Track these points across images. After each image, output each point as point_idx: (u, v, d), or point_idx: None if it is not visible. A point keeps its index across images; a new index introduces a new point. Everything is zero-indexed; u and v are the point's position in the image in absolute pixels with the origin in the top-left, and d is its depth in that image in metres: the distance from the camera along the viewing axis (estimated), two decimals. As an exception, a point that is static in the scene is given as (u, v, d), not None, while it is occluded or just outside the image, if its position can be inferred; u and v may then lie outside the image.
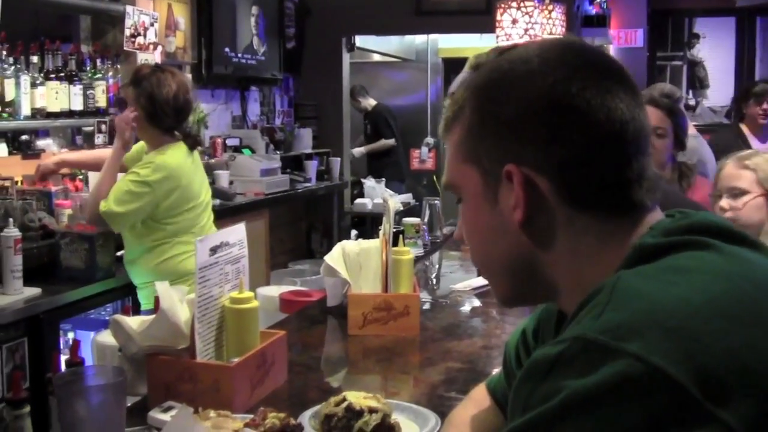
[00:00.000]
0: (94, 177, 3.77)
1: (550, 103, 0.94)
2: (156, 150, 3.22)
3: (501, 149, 0.96)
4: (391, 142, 7.91)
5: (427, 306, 2.63)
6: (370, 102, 7.96)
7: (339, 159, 6.93)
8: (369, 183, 7.13)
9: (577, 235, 0.94)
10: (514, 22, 5.33)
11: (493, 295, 1.08)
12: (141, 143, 3.40)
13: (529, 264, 0.98)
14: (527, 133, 0.94)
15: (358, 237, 2.87)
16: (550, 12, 5.69)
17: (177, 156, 3.22)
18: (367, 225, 6.88)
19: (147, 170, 3.13)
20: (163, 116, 3.17)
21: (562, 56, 0.97)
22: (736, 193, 2.49)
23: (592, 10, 7.60)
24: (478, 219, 1.02)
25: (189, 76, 4.82)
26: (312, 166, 6.47)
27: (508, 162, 0.95)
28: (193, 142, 3.31)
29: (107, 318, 3.59)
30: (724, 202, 2.50)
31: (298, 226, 6.81)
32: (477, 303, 2.70)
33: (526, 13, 5.32)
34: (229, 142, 5.83)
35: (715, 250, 0.88)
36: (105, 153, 3.67)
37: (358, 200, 7.13)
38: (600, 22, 7.74)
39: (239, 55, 5.94)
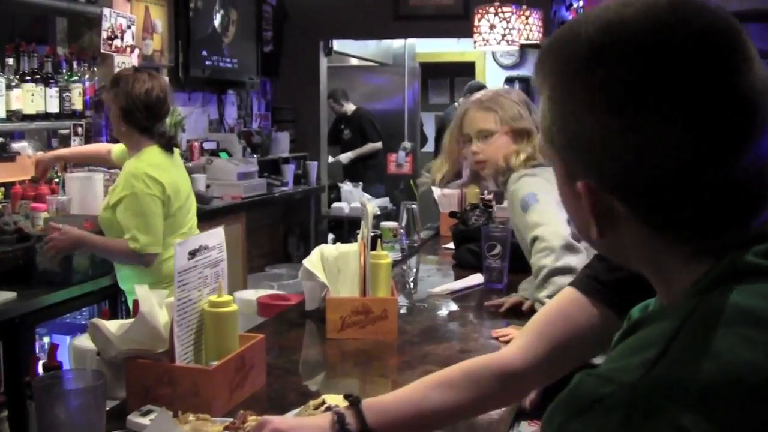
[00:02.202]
0: (70, 179, 3.75)
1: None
2: (134, 157, 3.20)
3: (571, 156, 0.84)
4: (379, 145, 7.93)
5: (404, 310, 2.64)
6: (350, 106, 7.97)
7: (316, 163, 6.94)
8: (346, 187, 7.15)
9: (666, 249, 0.83)
10: (492, 27, 5.36)
11: None
12: None
13: (619, 252, 0.88)
14: (600, 148, 0.80)
15: (335, 241, 2.88)
16: (527, 17, 5.73)
17: (152, 156, 3.19)
18: (344, 229, 6.89)
19: (135, 182, 3.09)
20: (135, 113, 3.13)
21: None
22: (486, 134, 2.53)
23: (569, 16, 7.65)
24: (566, 199, 0.90)
25: (166, 79, 4.80)
26: (289, 170, 6.47)
27: (579, 176, 0.83)
28: (167, 142, 3.26)
29: (83, 322, 3.57)
30: (475, 146, 2.54)
31: (276, 230, 6.80)
32: (454, 307, 2.71)
33: (504, 19, 5.35)
34: (206, 145, 5.82)
35: None
36: (96, 147, 3.77)
37: (335, 204, 7.14)
38: (576, 27, 7.79)
39: (216, 58, 5.93)
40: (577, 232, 0.95)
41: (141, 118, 3.16)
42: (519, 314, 2.53)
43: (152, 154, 3.20)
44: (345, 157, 7.89)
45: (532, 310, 2.45)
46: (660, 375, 0.70)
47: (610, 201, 0.81)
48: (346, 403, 1.34)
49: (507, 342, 2.23)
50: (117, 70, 4.35)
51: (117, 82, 3.20)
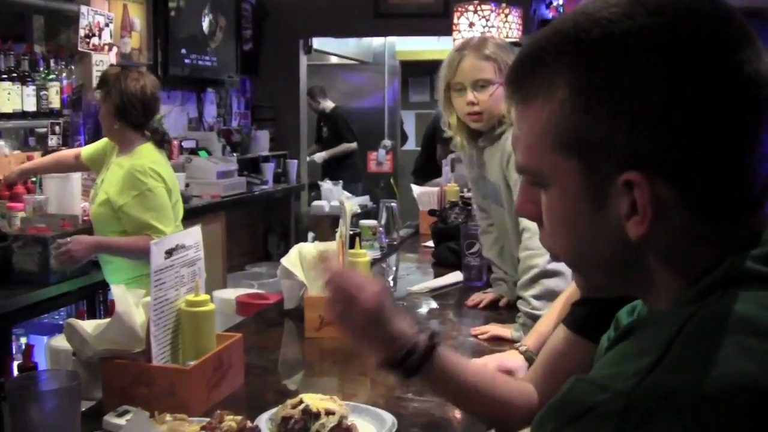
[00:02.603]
0: (47, 178, 3.72)
1: (716, 77, 0.73)
2: (128, 154, 3.21)
3: (618, 145, 0.75)
4: (354, 145, 7.89)
5: (384, 308, 2.63)
6: (328, 104, 7.93)
7: (296, 161, 6.92)
8: (326, 185, 7.13)
9: (695, 241, 0.77)
10: (471, 25, 5.36)
11: (575, 282, 0.92)
12: (103, 141, 3.38)
13: (632, 264, 0.81)
14: (666, 125, 0.73)
15: (314, 239, 2.87)
16: (506, 15, 5.73)
17: (151, 153, 3.25)
18: (325, 227, 6.88)
19: (144, 179, 3.13)
20: (131, 110, 3.18)
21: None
22: (483, 84, 2.36)
23: (549, 14, 7.68)
24: (573, 218, 0.82)
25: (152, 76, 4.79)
26: (269, 169, 6.45)
27: (627, 167, 0.75)
28: (161, 138, 3.33)
29: (61, 322, 3.54)
30: (472, 96, 2.37)
31: (255, 228, 6.78)
32: (434, 305, 2.71)
33: (483, 17, 5.35)
34: (186, 144, 5.80)
35: None
36: (62, 155, 3.70)
37: (315, 203, 7.13)
38: (556, 26, 7.80)
39: (196, 56, 5.91)
40: (579, 259, 0.86)
41: (136, 115, 3.21)
42: (497, 310, 2.54)
43: (149, 150, 3.25)
44: (319, 156, 7.85)
45: (510, 306, 2.47)
46: (655, 383, 0.67)
47: (661, 188, 0.74)
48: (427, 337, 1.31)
49: (486, 340, 2.24)
50: (95, 68, 4.34)
51: (106, 81, 3.23)
